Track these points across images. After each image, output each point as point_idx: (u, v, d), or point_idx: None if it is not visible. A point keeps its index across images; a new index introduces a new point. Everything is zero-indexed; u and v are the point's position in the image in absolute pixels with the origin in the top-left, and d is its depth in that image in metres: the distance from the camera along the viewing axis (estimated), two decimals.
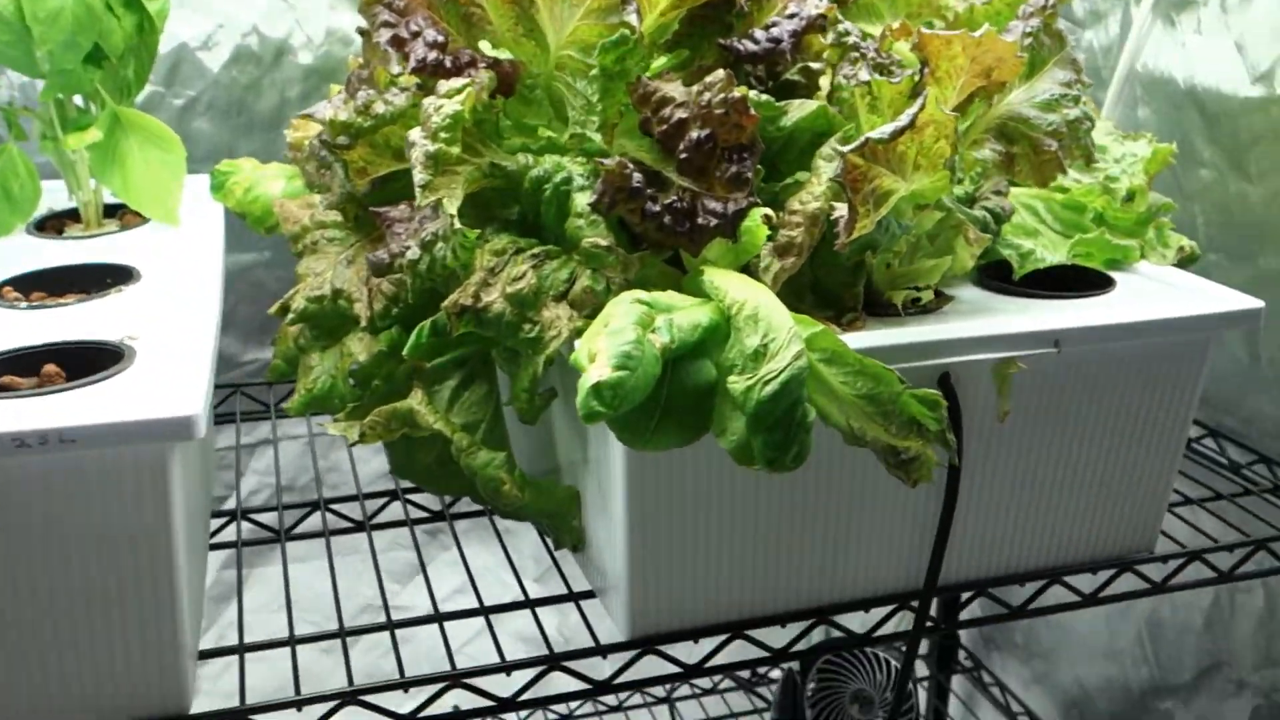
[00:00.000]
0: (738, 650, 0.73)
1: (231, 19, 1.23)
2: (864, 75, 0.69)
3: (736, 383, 0.59)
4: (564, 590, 0.79)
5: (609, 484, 0.69)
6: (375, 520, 0.91)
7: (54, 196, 0.98)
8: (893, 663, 1.11)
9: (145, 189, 0.90)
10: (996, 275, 0.83)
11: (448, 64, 0.72)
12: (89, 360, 0.66)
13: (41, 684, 0.60)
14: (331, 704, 0.67)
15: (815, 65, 0.76)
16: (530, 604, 0.78)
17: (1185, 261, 0.87)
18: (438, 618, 0.77)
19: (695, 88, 0.66)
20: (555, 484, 0.77)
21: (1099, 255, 0.86)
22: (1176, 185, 1.08)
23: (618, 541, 0.69)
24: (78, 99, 0.92)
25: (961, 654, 1.52)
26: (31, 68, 0.84)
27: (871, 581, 0.75)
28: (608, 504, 0.70)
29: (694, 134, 0.66)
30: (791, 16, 0.73)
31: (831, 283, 0.74)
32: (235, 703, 0.66)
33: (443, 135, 0.65)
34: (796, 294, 0.73)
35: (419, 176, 0.64)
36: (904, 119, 0.61)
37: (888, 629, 0.78)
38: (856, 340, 0.67)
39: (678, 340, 0.60)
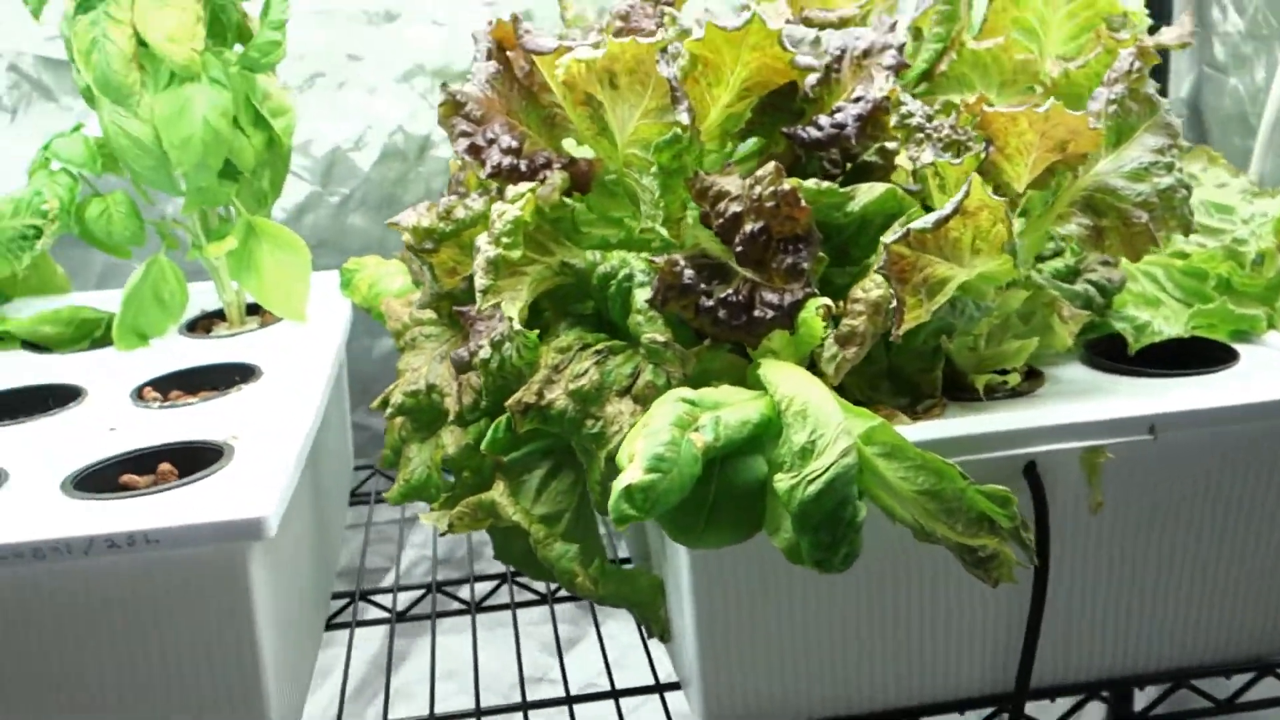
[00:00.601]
0: None
1: (379, 120, 1.31)
2: (928, 156, 0.68)
3: (782, 481, 0.59)
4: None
5: (678, 576, 0.69)
6: (483, 603, 0.93)
7: (208, 298, 1.07)
8: None
9: (276, 289, 0.97)
10: (1110, 351, 0.78)
11: (522, 167, 0.75)
12: (199, 459, 0.72)
13: None
14: None
15: (891, 145, 0.75)
16: (615, 694, 0.78)
17: None
18: (568, 700, 0.78)
19: (748, 180, 0.66)
20: (641, 573, 0.77)
21: (1222, 326, 0.80)
22: None
23: (688, 633, 0.69)
24: (221, 209, 1.00)
25: None
26: (172, 187, 0.93)
27: (959, 682, 0.71)
28: (680, 595, 0.70)
29: (748, 227, 0.66)
30: (857, 100, 0.72)
31: (909, 369, 0.72)
32: None
33: (504, 240, 0.68)
34: (871, 383, 0.72)
35: (480, 281, 0.66)
36: (948, 207, 0.59)
37: None
38: (921, 431, 0.65)
39: (724, 439, 0.60)
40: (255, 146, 0.94)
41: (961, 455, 0.65)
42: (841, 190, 0.70)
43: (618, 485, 0.56)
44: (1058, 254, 0.81)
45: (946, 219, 0.59)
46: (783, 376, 0.63)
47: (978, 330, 0.71)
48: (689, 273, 0.66)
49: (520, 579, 0.98)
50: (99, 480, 0.69)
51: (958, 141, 0.69)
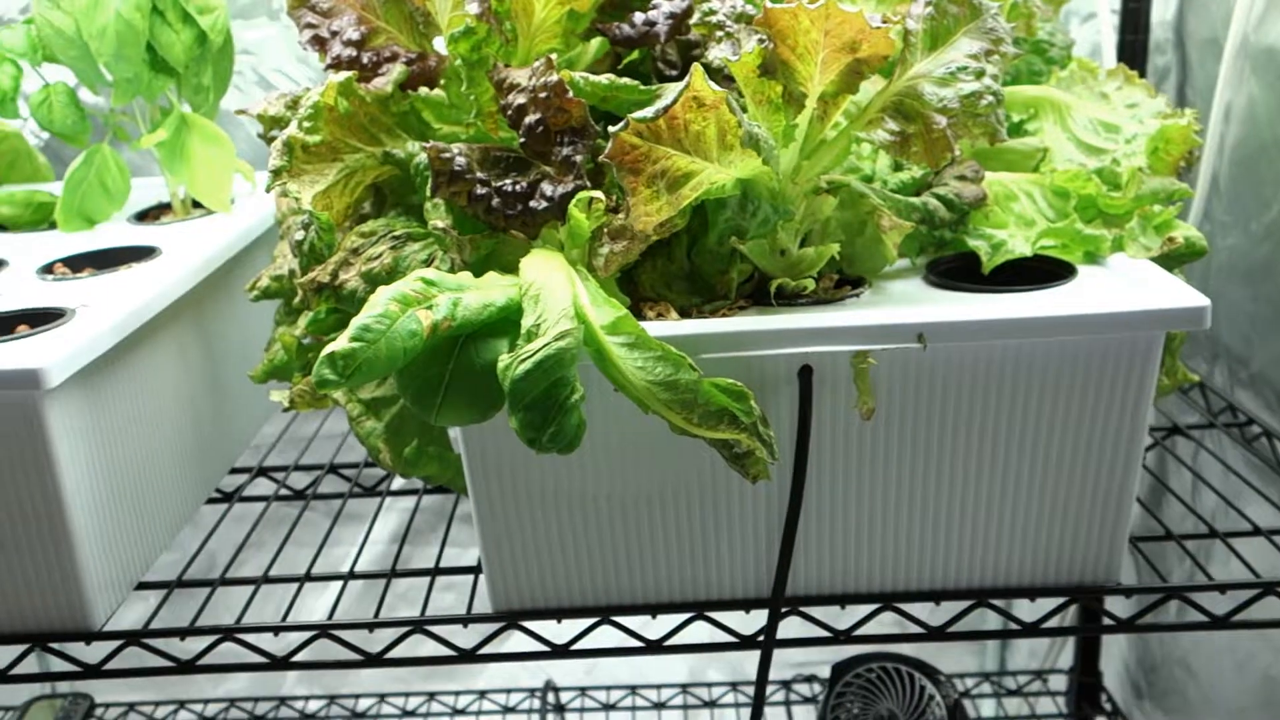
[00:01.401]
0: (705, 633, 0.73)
1: None
2: (725, 52, 0.67)
3: (503, 360, 0.60)
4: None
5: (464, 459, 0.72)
6: (374, 488, 0.98)
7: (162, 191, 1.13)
8: (928, 689, 1.04)
9: (203, 181, 1.02)
10: (965, 270, 0.76)
11: (364, 59, 0.78)
12: (45, 322, 0.78)
13: None
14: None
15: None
16: (435, 572, 0.81)
17: (1182, 255, 0.76)
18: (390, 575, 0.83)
19: (528, 72, 0.67)
20: (453, 455, 0.80)
21: (1074, 247, 0.77)
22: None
23: (474, 516, 0.72)
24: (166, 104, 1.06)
25: (1104, 698, 1.38)
26: (98, 78, 0.99)
27: (731, 581, 0.72)
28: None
29: (529, 118, 0.67)
30: None
31: (707, 270, 0.72)
32: None
33: (305, 124, 0.71)
34: (666, 281, 0.72)
35: (271, 162, 0.69)
36: (669, 95, 0.59)
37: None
38: (682, 328, 0.66)
39: (460, 319, 0.61)
40: (184, 42, 0.99)
41: (725, 352, 0.66)
42: (643, 88, 0.70)
43: (324, 351, 0.58)
44: (899, 166, 0.79)
45: (668, 107, 0.59)
46: (534, 264, 0.64)
47: (779, 234, 0.71)
48: (461, 160, 0.67)
49: (343, 471, 1.01)
50: None
51: (761, 42, 0.68)
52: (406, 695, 1.40)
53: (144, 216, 1.10)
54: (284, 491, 0.97)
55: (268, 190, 0.69)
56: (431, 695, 1.38)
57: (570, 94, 0.65)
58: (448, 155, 0.67)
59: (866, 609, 0.73)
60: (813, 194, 0.72)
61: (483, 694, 1.38)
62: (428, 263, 0.70)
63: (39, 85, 1.04)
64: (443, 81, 0.79)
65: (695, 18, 0.69)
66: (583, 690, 1.38)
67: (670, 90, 0.59)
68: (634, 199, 0.61)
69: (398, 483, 1.02)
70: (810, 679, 1.40)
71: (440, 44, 0.82)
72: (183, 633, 0.74)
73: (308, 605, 1.30)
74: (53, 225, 1.07)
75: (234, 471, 0.98)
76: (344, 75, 0.73)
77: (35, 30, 1.01)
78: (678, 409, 0.62)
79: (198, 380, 0.91)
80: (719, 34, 0.68)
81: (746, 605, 0.72)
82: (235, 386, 0.99)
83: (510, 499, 0.70)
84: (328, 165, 0.72)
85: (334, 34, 0.78)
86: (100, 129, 1.08)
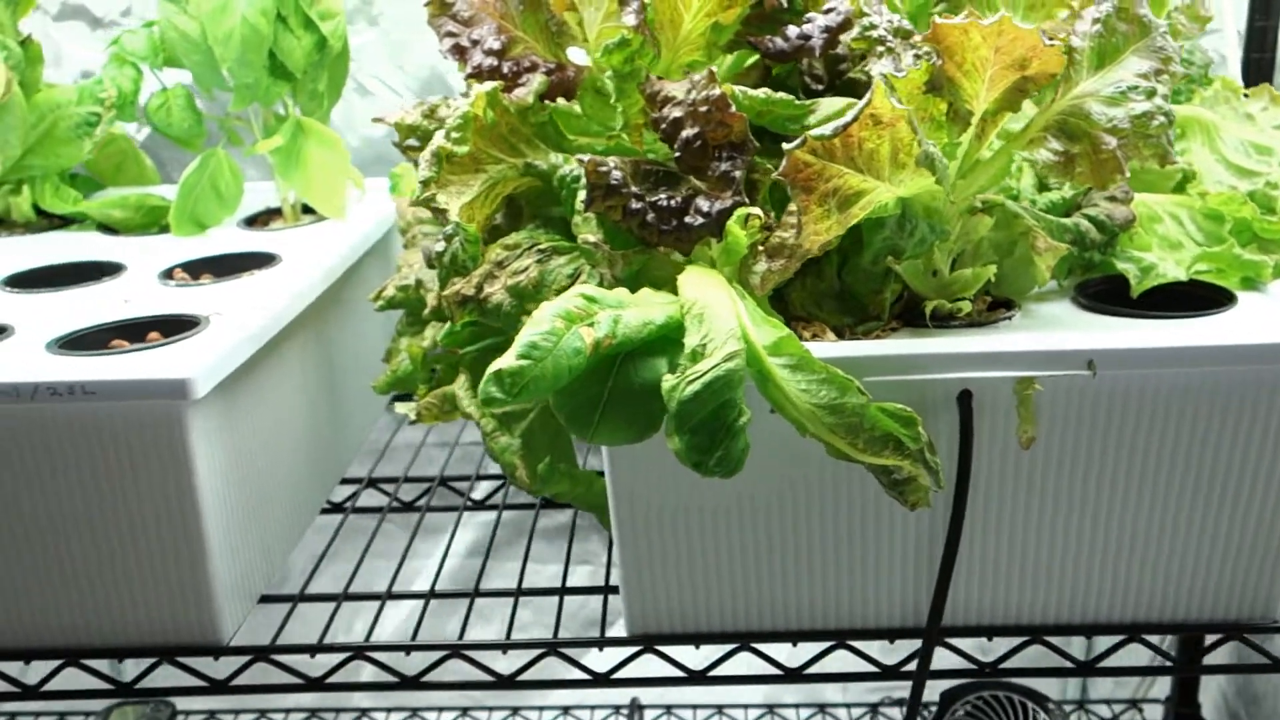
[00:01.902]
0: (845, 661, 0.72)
1: None
2: (886, 67, 0.65)
3: (667, 380, 0.59)
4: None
5: (607, 479, 0.70)
6: (481, 502, 0.97)
7: (272, 195, 1.13)
8: (1041, 717, 1.01)
9: (318, 187, 1.02)
10: (1113, 293, 0.74)
11: (505, 70, 0.77)
12: (179, 329, 0.77)
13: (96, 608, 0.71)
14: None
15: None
16: (562, 591, 0.80)
17: None
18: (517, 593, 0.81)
19: (686, 85, 0.66)
20: (595, 476, 0.78)
21: (1230, 272, 0.74)
22: None
23: (616, 537, 0.70)
24: (282, 109, 1.06)
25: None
26: (220, 82, 0.98)
27: (879, 609, 0.70)
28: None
29: (686, 132, 0.66)
30: (828, 12, 0.70)
31: (858, 289, 0.70)
32: None
33: (453, 135, 0.70)
34: (816, 300, 0.70)
35: (421, 172, 0.68)
36: (850, 113, 0.57)
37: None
38: (841, 349, 0.64)
39: (621, 336, 0.60)
40: (305, 48, 0.99)
41: (885, 376, 0.64)
42: (799, 103, 0.69)
43: (490, 369, 0.57)
44: (1049, 185, 0.77)
45: (847, 125, 0.57)
46: (694, 282, 0.63)
47: (935, 254, 0.69)
48: (617, 174, 0.66)
49: (453, 483, 1.01)
50: (89, 342, 0.76)
51: (920, 57, 0.66)
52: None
53: (253, 221, 1.10)
54: (395, 504, 0.96)
55: (415, 202, 0.68)
56: (515, 710, 1.37)
57: (733, 108, 0.64)
58: (605, 169, 0.66)
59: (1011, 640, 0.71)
60: (968, 214, 0.70)
61: (566, 709, 1.37)
62: (573, 277, 0.69)
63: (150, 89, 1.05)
64: (580, 92, 0.78)
65: (854, 32, 0.68)
66: (668, 709, 1.36)
67: (854, 107, 0.57)
68: (806, 217, 0.60)
69: (513, 495, 1.01)
70: (898, 702, 1.38)
71: (575, 54, 0.81)
72: (313, 649, 0.73)
73: (390, 619, 1.29)
74: (163, 229, 1.07)
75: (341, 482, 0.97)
76: (490, 85, 0.72)
77: (157, 34, 1.01)
78: (842, 434, 0.60)
79: (315, 389, 0.90)
80: (880, 49, 0.67)
81: (894, 635, 0.70)
82: (348, 395, 0.98)
83: (654, 521, 0.69)
84: (472, 176, 0.71)
85: (475, 43, 0.77)
86: (213, 134, 1.08)
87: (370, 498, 0.99)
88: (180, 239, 1.03)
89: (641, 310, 0.62)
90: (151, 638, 0.72)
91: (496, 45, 0.77)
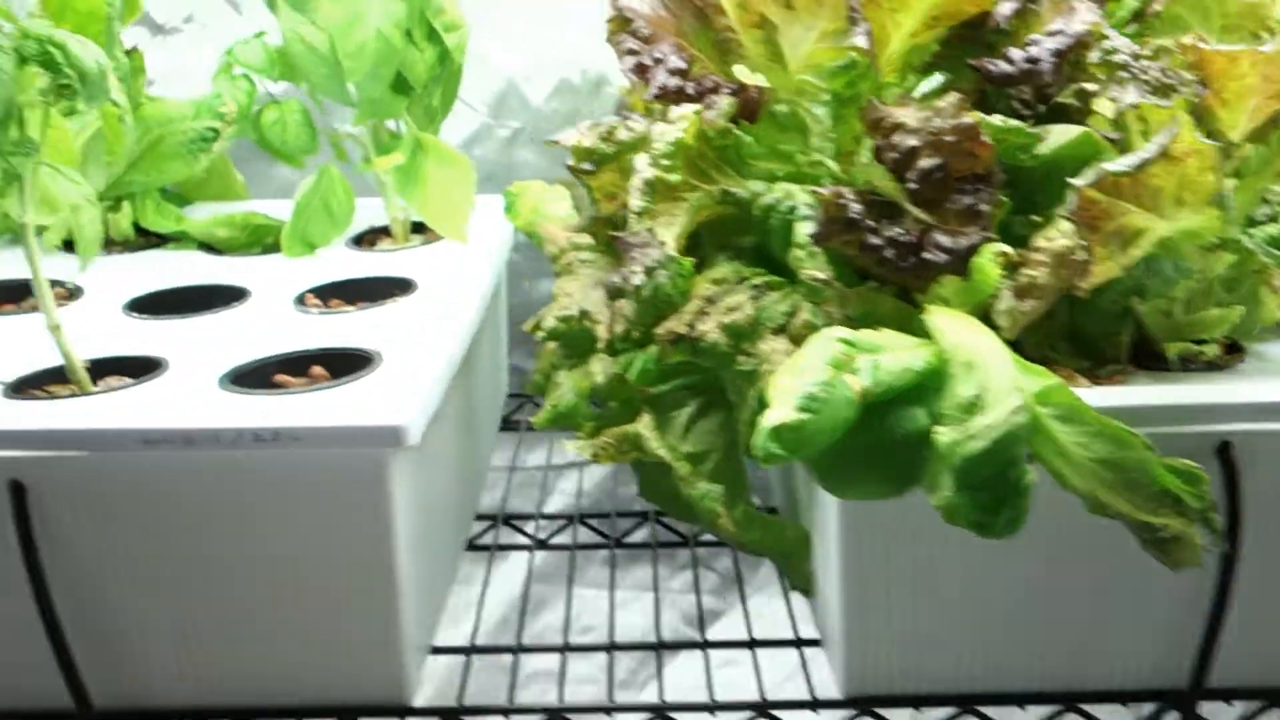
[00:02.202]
0: None
1: (554, 54, 1.29)
2: (1132, 97, 0.62)
3: (944, 435, 0.55)
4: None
5: (826, 527, 0.66)
6: (625, 540, 0.92)
7: (376, 213, 1.08)
8: None
9: (439, 207, 0.97)
10: None
11: (689, 90, 0.72)
12: (350, 366, 0.72)
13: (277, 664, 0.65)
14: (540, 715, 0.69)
15: (1091, 87, 0.69)
16: (752, 644, 0.76)
17: None
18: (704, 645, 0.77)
19: (925, 112, 0.62)
20: (786, 523, 0.74)
21: None
22: None
23: (834, 591, 0.66)
24: (392, 124, 1.01)
25: None
26: (345, 97, 0.93)
27: (1126, 671, 0.66)
28: (827, 548, 0.67)
29: (924, 162, 0.61)
30: (1054, 34, 0.67)
31: (1093, 330, 0.66)
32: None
33: (663, 162, 0.65)
34: (1049, 341, 0.67)
35: (634, 203, 0.64)
36: (1151, 148, 0.53)
37: None
38: (1102, 397, 0.60)
39: (883, 384, 0.56)
40: (427, 61, 0.94)
41: (1146, 427, 0.60)
42: (1030, 130, 0.65)
43: (765, 423, 0.53)
44: (1273, 219, 0.73)
45: (1149, 161, 0.53)
46: (952, 325, 0.59)
47: (1175, 294, 0.65)
48: (856, 207, 0.62)
49: (664, 519, 0.97)
50: (254, 377, 0.71)
51: (1167, 84, 0.63)
52: None
53: (359, 241, 1.04)
54: (531, 541, 0.91)
55: (634, 234, 0.64)
56: None
57: (983, 137, 0.60)
58: (843, 201, 0.62)
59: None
60: (1205, 250, 0.66)
61: None
62: (789, 315, 0.65)
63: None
64: (763, 115, 0.74)
65: (1096, 56, 0.64)
66: None
67: (1155, 140, 0.54)
68: (1092, 257, 0.56)
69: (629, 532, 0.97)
70: None
71: (740, 72, 0.77)
72: (506, 710, 0.68)
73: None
74: (266, 248, 1.02)
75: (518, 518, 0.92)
76: (690, 108, 0.68)
77: (273, 46, 0.96)
78: (1121, 490, 0.56)
79: (461, 423, 0.85)
80: (1121, 74, 0.63)
81: (1135, 698, 0.66)
82: (480, 427, 0.94)
83: (881, 575, 0.65)
84: (676, 205, 0.67)
85: (657, 61, 0.73)
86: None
87: (504, 534, 0.94)
88: (290, 260, 0.98)
89: (897, 356, 0.57)
90: (332, 697, 0.67)
91: (681, 64, 0.73)
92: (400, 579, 0.64)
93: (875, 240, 0.62)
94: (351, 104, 0.94)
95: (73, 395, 0.68)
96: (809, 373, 0.54)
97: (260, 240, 1.01)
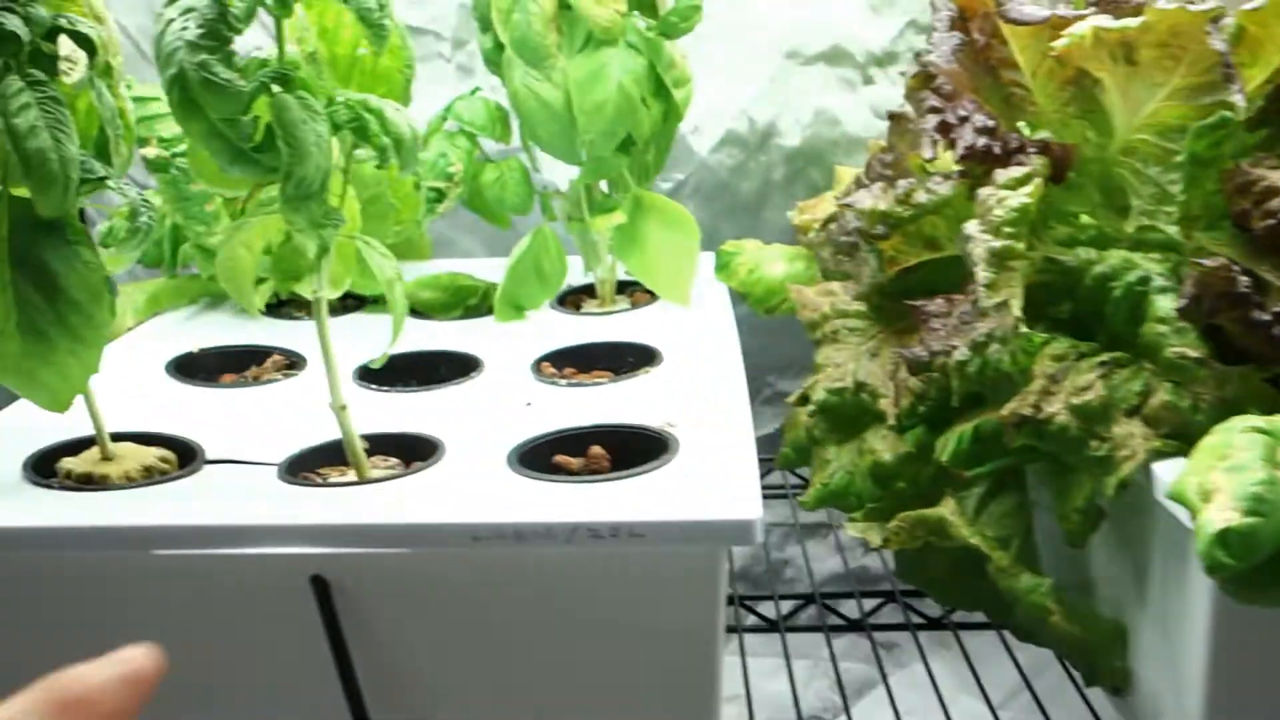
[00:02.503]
0: None
1: (722, 104, 1.25)
2: None
3: None
4: None
5: (1181, 630, 0.60)
6: (874, 619, 0.86)
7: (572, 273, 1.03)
8: None
9: (661, 270, 0.92)
10: None
11: (996, 150, 0.67)
12: (631, 443, 0.68)
13: None
14: None
15: None
16: None
17: None
18: None
19: None
20: (1097, 614, 0.68)
21: None
22: None
23: (1189, 701, 0.60)
24: (604, 184, 0.97)
25: None
26: (573, 156, 0.89)
27: None
28: (1174, 653, 0.61)
29: None
30: None
31: None
32: None
33: (1006, 230, 0.60)
34: None
35: (983, 275, 0.59)
36: None
37: None
38: None
39: None
40: (653, 117, 0.90)
41: None
42: None
43: (1205, 527, 0.47)
44: None
45: None
46: None
47: None
48: (1244, 280, 0.56)
49: (829, 599, 0.91)
50: (533, 459, 0.66)
51: None
52: None
53: (562, 302, 1.00)
54: (836, 621, 0.86)
55: (983, 306, 0.59)
56: None
57: None
58: (1230, 274, 0.56)
59: None
60: None
61: None
62: (1143, 395, 0.59)
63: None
64: (1075, 176, 0.69)
65: None
66: None
67: None
68: None
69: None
70: None
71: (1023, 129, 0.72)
72: None
73: None
74: (467, 311, 0.97)
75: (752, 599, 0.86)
76: (1021, 171, 0.63)
77: (493, 103, 0.92)
78: None
79: None
80: None
81: None
82: None
83: (1255, 674, 0.58)
84: (1012, 276, 0.62)
85: (962, 120, 0.68)
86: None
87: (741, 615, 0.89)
88: (502, 324, 0.94)
89: None
90: None
91: (988, 122, 0.68)
92: (718, 671, 0.59)
93: (1263, 316, 0.56)
94: (579, 163, 0.90)
95: (357, 482, 0.63)
96: (1248, 470, 0.48)
97: (463, 302, 0.97)
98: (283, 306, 0.98)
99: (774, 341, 1.15)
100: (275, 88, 0.56)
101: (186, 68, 0.53)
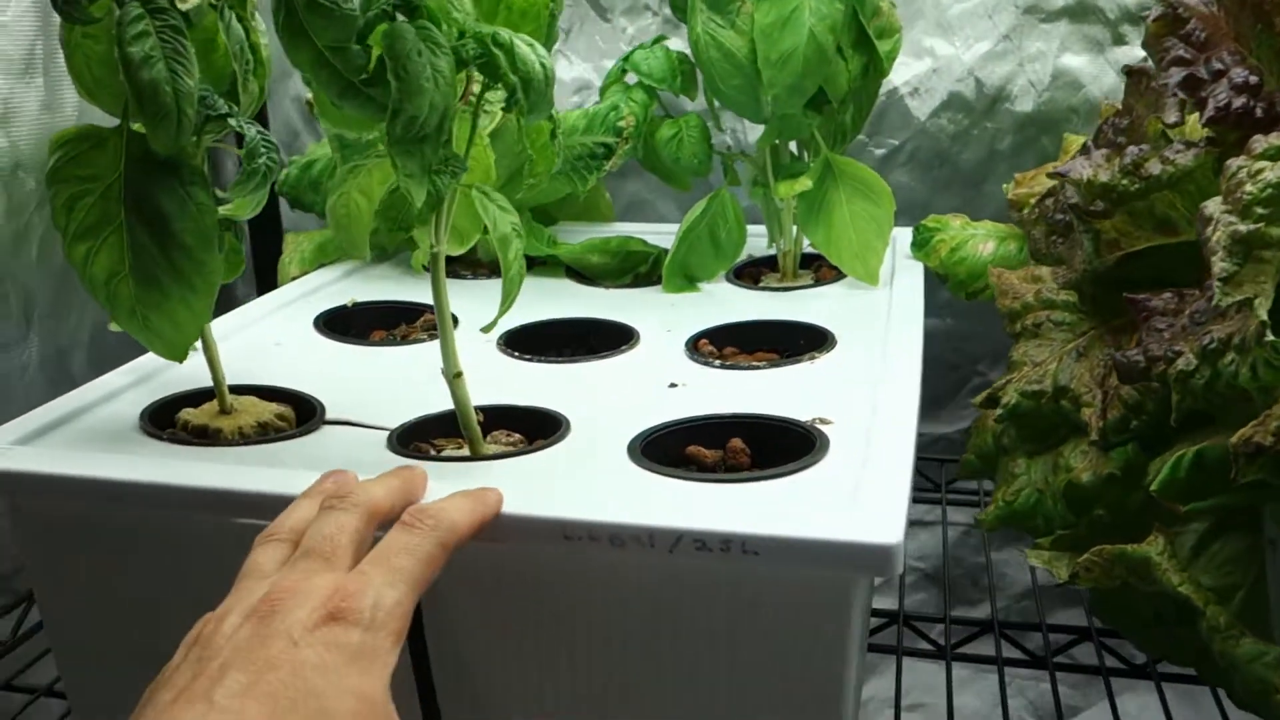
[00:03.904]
0: None
1: (949, 63, 1.13)
2: None
3: None
4: None
5: None
6: (1058, 660, 0.74)
7: (753, 242, 0.95)
8: None
9: (848, 244, 0.83)
10: None
11: (1259, 113, 0.54)
12: (776, 438, 0.59)
13: None
14: None
15: None
16: None
17: None
18: None
19: None
20: None
21: None
22: None
23: None
24: (792, 145, 0.87)
25: None
26: (756, 113, 0.81)
27: None
28: None
29: None
30: None
31: None
32: None
33: (1258, 211, 0.48)
34: None
35: (1221, 266, 0.47)
36: None
37: None
38: None
39: None
40: (851, 71, 0.80)
41: None
42: None
43: None
44: None
45: None
46: None
47: None
48: None
49: (1009, 631, 0.78)
50: (665, 448, 0.58)
51: None
52: None
53: (739, 274, 0.92)
54: (1015, 654, 0.75)
55: (1220, 305, 0.47)
56: None
57: None
58: None
59: None
60: None
61: None
62: None
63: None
64: None
65: None
66: None
67: None
68: None
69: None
70: None
71: None
72: None
73: None
74: (637, 279, 0.91)
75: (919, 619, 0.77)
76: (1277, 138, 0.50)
77: (677, 54, 0.84)
78: None
79: None
80: None
81: None
82: None
83: None
84: (1263, 270, 0.49)
85: (1217, 74, 0.55)
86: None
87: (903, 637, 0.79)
88: (670, 294, 0.86)
89: None
90: None
91: (1251, 79, 0.55)
92: (847, 702, 0.50)
93: None
94: (762, 120, 0.81)
95: (466, 458, 0.57)
96: None
97: (633, 268, 0.91)
98: (450, 264, 0.95)
99: (987, 326, 1.03)
100: (399, 15, 0.51)
101: None
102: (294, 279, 0.90)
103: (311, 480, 0.50)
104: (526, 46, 0.51)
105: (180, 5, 0.52)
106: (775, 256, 0.91)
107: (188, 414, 0.62)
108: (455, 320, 0.80)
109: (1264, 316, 0.47)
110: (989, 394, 0.66)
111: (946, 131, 1.13)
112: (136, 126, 0.55)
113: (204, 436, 0.61)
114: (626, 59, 0.86)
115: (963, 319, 1.16)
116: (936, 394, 1.17)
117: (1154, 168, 0.57)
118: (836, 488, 0.51)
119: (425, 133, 0.50)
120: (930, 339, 1.17)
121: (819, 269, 0.91)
